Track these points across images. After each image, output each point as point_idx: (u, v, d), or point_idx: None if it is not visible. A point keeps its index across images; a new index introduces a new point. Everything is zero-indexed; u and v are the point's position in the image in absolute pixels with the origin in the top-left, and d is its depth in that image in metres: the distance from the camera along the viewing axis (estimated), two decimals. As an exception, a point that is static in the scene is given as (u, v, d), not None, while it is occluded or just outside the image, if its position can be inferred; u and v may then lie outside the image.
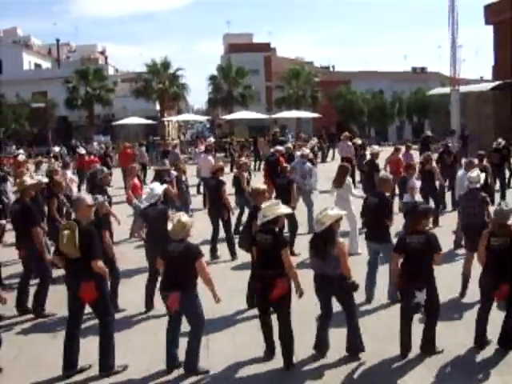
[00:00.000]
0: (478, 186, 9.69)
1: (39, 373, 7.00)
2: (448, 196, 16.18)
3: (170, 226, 6.79)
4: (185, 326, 6.98)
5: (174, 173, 13.73)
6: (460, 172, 12.85)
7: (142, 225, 9.47)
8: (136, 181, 13.91)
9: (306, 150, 16.01)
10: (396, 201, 12.50)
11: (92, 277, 6.74)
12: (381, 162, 15.85)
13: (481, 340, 7.28)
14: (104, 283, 7.00)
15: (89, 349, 7.06)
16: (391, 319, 8.00)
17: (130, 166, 15.55)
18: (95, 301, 6.84)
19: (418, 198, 12.20)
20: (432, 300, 7.04)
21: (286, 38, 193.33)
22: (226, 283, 9.37)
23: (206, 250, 9.88)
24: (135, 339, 7.95)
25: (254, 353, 7.26)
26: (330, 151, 33.49)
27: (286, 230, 10.87)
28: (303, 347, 7.23)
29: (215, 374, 6.85)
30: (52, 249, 9.46)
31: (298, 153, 16.27)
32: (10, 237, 12.23)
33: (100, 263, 6.83)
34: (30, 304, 9.06)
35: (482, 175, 10.08)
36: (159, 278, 7.49)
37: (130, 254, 11.94)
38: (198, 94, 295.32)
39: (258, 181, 14.07)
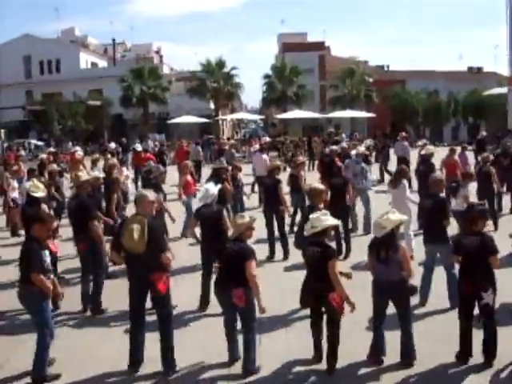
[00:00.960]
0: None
1: (93, 367, 7.07)
2: (506, 199, 15.75)
3: (240, 221, 6.95)
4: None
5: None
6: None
7: (196, 224, 9.41)
8: (189, 177, 13.99)
9: (361, 149, 15.81)
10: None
11: (164, 270, 6.79)
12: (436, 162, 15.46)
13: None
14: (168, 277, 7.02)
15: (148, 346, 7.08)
16: (445, 323, 7.83)
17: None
18: (164, 295, 6.83)
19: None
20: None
21: (339, 38, 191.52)
22: (277, 282, 9.30)
23: (259, 248, 9.80)
24: (188, 336, 7.96)
25: (305, 354, 7.17)
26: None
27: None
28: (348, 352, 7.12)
29: (267, 374, 6.82)
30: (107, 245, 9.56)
31: (354, 151, 16.13)
32: (65, 232, 12.52)
33: (169, 255, 6.89)
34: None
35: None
36: (213, 277, 7.49)
37: (182, 252, 11.98)
38: (251, 93, 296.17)
39: (312, 180, 13.94)
